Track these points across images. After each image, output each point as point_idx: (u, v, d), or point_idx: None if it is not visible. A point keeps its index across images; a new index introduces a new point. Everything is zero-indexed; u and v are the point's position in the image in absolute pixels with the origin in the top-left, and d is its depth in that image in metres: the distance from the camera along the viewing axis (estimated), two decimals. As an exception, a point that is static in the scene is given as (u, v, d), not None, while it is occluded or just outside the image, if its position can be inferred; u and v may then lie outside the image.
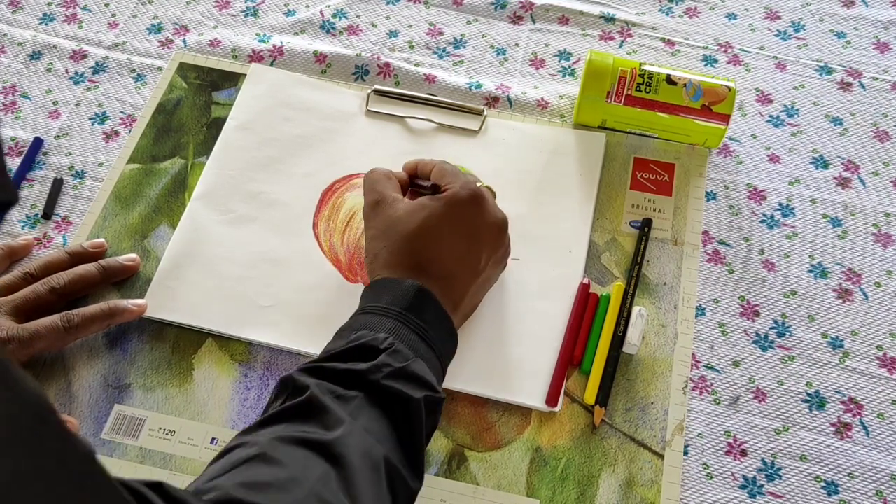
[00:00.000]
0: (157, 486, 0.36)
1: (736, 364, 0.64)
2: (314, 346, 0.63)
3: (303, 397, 0.47)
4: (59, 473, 0.27)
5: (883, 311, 0.66)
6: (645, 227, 0.69)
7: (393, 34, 0.81)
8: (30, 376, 0.27)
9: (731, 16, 0.83)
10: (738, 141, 0.75)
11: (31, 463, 0.26)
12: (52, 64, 0.79)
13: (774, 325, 0.65)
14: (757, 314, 0.66)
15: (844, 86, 0.78)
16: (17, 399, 0.27)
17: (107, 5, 0.83)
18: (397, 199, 0.60)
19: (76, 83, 0.78)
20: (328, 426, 0.46)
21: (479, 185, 0.60)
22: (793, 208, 0.71)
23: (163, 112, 0.76)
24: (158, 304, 0.65)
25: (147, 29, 0.81)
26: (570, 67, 0.79)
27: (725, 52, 0.80)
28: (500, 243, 0.60)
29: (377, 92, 0.76)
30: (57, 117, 0.76)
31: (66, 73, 0.78)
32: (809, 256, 0.68)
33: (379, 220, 0.59)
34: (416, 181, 0.64)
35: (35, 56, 0.79)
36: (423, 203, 0.58)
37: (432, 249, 0.57)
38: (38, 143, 0.73)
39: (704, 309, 0.66)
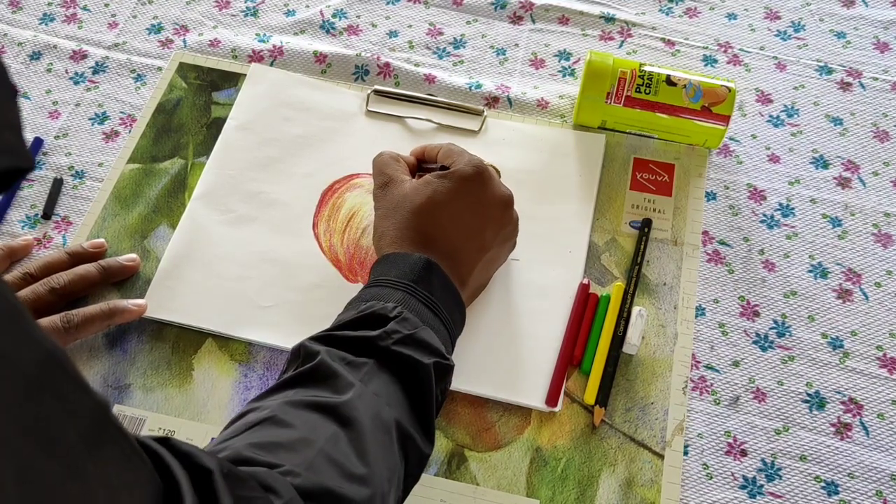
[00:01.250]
0: (165, 441, 0.37)
1: (736, 364, 0.64)
2: (314, 346, 0.63)
3: (313, 363, 0.48)
4: (71, 421, 0.28)
5: (883, 311, 0.66)
6: (645, 227, 0.69)
7: (393, 34, 0.81)
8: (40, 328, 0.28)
9: (731, 16, 0.83)
10: (738, 141, 0.75)
11: (50, 408, 0.27)
12: (52, 64, 0.79)
13: (774, 326, 0.65)
14: (757, 314, 0.66)
15: (844, 86, 0.78)
16: (33, 344, 0.27)
17: (107, 5, 0.83)
18: (405, 180, 0.61)
19: (76, 83, 0.78)
20: (338, 390, 0.46)
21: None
22: (793, 208, 0.71)
23: (163, 112, 0.76)
24: (158, 304, 0.65)
25: (147, 29, 0.81)
26: (570, 67, 0.79)
27: (725, 52, 0.80)
28: (507, 219, 0.61)
29: (377, 92, 0.76)
30: (57, 117, 0.76)
31: (66, 73, 0.78)
32: (809, 256, 0.68)
33: (387, 200, 0.60)
34: (423, 165, 0.65)
35: (35, 56, 0.79)
36: (429, 180, 0.59)
37: (438, 224, 0.58)
38: (38, 143, 0.73)
39: (704, 309, 0.66)
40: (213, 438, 0.45)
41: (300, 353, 0.50)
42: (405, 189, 0.59)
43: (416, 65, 0.79)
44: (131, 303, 0.64)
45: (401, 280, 0.54)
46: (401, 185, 0.60)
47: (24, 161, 0.29)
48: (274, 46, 0.79)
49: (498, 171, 0.64)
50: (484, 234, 0.59)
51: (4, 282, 0.27)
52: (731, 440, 0.61)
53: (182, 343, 0.64)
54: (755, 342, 0.64)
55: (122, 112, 0.76)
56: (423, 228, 0.57)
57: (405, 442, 0.47)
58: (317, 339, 0.51)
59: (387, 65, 0.78)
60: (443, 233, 0.57)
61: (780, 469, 0.59)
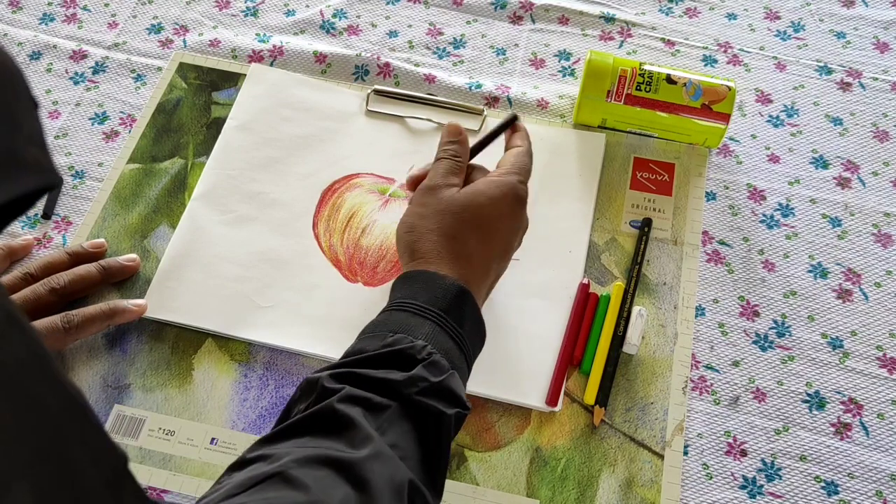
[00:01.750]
0: None
1: (736, 364, 0.63)
2: (314, 346, 0.63)
3: (329, 408, 0.45)
4: (94, 467, 0.28)
5: (883, 311, 0.66)
6: (645, 227, 0.69)
7: (393, 34, 0.81)
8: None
9: (731, 16, 0.82)
10: (737, 141, 0.75)
11: (75, 453, 0.27)
12: (51, 64, 0.79)
13: (774, 326, 0.65)
14: (757, 314, 0.66)
15: (844, 86, 0.78)
16: (60, 388, 0.27)
17: (107, 5, 0.83)
18: (455, 187, 0.57)
19: (76, 83, 0.78)
20: (355, 444, 0.44)
21: None
22: (793, 208, 0.71)
23: (163, 112, 0.76)
24: (158, 304, 0.65)
25: (147, 29, 0.81)
26: (569, 67, 0.79)
27: (725, 52, 0.80)
28: (519, 243, 0.60)
29: (377, 92, 0.76)
30: (57, 117, 0.76)
31: (66, 73, 0.78)
32: (809, 256, 0.68)
33: (434, 200, 0.56)
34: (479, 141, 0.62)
35: (35, 56, 0.79)
36: (479, 190, 0.56)
37: (479, 240, 0.55)
38: (37, 143, 0.73)
39: (704, 309, 0.66)
40: (218, 485, 0.43)
41: (315, 389, 0.47)
42: (456, 195, 0.56)
43: (416, 65, 0.79)
44: (131, 303, 0.64)
45: (431, 308, 0.51)
46: (450, 190, 0.57)
47: (53, 178, 0.29)
48: (274, 46, 0.79)
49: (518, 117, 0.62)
50: (508, 256, 0.58)
51: (33, 327, 0.27)
52: (731, 440, 0.61)
53: (182, 343, 0.64)
54: (755, 342, 0.64)
55: (122, 112, 0.76)
56: (463, 238, 0.55)
57: (414, 499, 0.45)
58: (336, 376, 0.48)
59: (387, 65, 0.78)
60: (481, 249, 0.55)
61: (779, 469, 0.59)
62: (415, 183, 0.61)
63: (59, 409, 0.26)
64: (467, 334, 0.52)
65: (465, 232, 0.55)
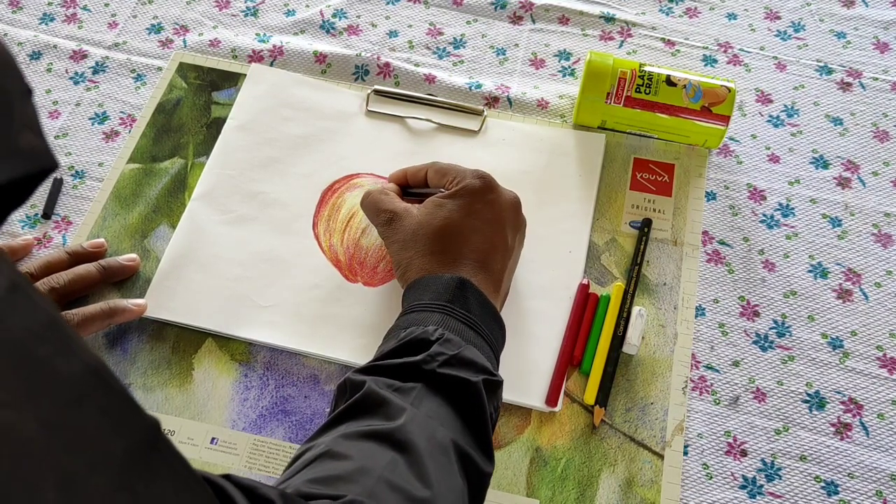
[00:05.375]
0: (227, 476, 0.37)
1: (736, 364, 0.64)
2: (314, 345, 0.63)
3: (360, 393, 0.47)
4: (118, 437, 0.27)
5: (883, 311, 0.66)
6: (645, 227, 0.69)
7: (393, 34, 0.81)
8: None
9: (731, 16, 0.83)
10: (737, 141, 0.75)
11: (94, 422, 0.26)
12: (52, 64, 0.79)
13: (774, 326, 0.65)
14: (757, 314, 0.66)
15: (844, 86, 0.78)
16: (74, 357, 0.27)
17: (107, 5, 0.83)
18: (409, 208, 0.60)
19: (76, 83, 0.78)
20: (390, 416, 0.46)
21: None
22: (793, 208, 0.71)
23: (163, 112, 0.76)
24: (158, 303, 0.65)
25: (147, 29, 0.81)
26: (570, 67, 0.79)
27: (725, 52, 0.80)
28: (520, 220, 0.61)
29: (377, 92, 0.76)
30: (57, 117, 0.76)
31: (66, 73, 0.78)
32: (809, 256, 0.68)
33: (399, 233, 0.59)
34: (411, 191, 0.65)
35: (35, 56, 0.79)
36: (439, 202, 0.58)
37: (463, 242, 0.57)
38: (38, 143, 0.73)
39: (704, 309, 0.66)
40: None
41: (346, 387, 0.49)
42: (416, 217, 0.58)
43: (416, 65, 0.79)
44: (131, 302, 0.64)
45: (436, 302, 0.53)
46: (407, 214, 0.59)
47: (48, 161, 0.29)
48: (274, 46, 0.79)
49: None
50: (506, 240, 0.59)
51: (44, 295, 0.26)
52: (731, 440, 0.61)
53: (182, 343, 0.64)
54: (755, 342, 0.64)
55: (122, 112, 0.76)
56: (447, 251, 0.57)
57: (464, 461, 0.46)
58: (361, 370, 0.50)
59: (387, 65, 0.78)
60: (469, 248, 0.57)
61: (779, 469, 0.59)
62: (397, 177, 0.65)
63: (73, 377, 0.26)
64: (478, 318, 0.53)
65: (443, 244, 0.57)
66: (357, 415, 0.47)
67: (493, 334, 0.54)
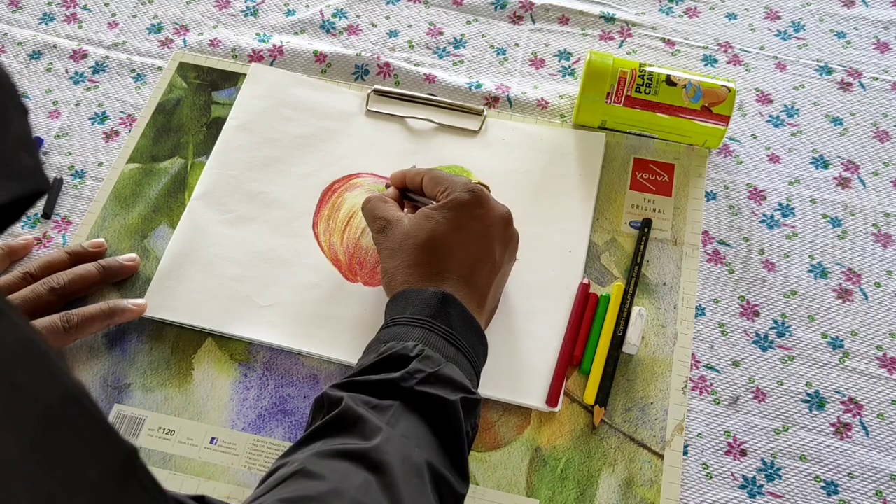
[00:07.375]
0: (200, 499, 0.37)
1: (736, 364, 0.63)
2: (314, 345, 0.63)
3: (337, 410, 0.47)
4: (95, 461, 0.28)
5: (883, 311, 0.66)
6: (645, 227, 0.69)
7: (393, 34, 0.81)
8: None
9: (731, 16, 0.82)
10: (738, 141, 0.75)
11: (71, 445, 0.27)
12: (52, 64, 0.79)
13: (774, 325, 0.65)
14: (757, 314, 0.66)
15: (844, 86, 0.78)
16: (52, 380, 0.27)
17: (107, 5, 0.83)
18: (401, 217, 0.60)
19: (76, 83, 0.78)
20: (366, 435, 0.45)
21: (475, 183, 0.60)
22: (793, 208, 0.71)
23: (163, 112, 0.76)
24: (158, 303, 0.65)
25: (147, 29, 0.81)
26: (570, 67, 0.79)
27: (725, 52, 0.80)
28: (510, 236, 0.61)
29: (377, 92, 0.76)
30: (57, 117, 0.76)
31: (66, 72, 0.78)
32: (809, 256, 0.68)
33: (389, 241, 0.59)
34: (409, 195, 0.65)
35: (35, 56, 0.79)
36: (428, 213, 0.58)
37: (448, 255, 0.57)
38: (38, 142, 0.73)
39: (704, 309, 0.66)
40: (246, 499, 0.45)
41: (324, 403, 0.49)
42: (405, 227, 0.58)
43: (416, 64, 0.79)
44: (131, 302, 0.64)
45: (417, 316, 0.53)
46: (399, 223, 0.59)
47: (42, 183, 0.29)
48: (274, 46, 0.79)
49: (488, 188, 0.64)
50: (494, 255, 0.58)
51: (26, 320, 0.27)
52: (730, 440, 0.60)
53: (182, 343, 0.64)
54: (755, 342, 0.64)
55: (122, 112, 0.76)
56: (432, 263, 0.57)
57: (438, 483, 0.46)
58: (339, 385, 0.49)
59: (387, 64, 0.78)
60: (454, 262, 0.57)
61: (779, 469, 0.59)
62: (397, 179, 0.65)
63: (52, 402, 0.26)
64: (459, 334, 0.53)
65: (427, 256, 0.57)
66: (333, 432, 0.46)
67: (474, 350, 0.54)
